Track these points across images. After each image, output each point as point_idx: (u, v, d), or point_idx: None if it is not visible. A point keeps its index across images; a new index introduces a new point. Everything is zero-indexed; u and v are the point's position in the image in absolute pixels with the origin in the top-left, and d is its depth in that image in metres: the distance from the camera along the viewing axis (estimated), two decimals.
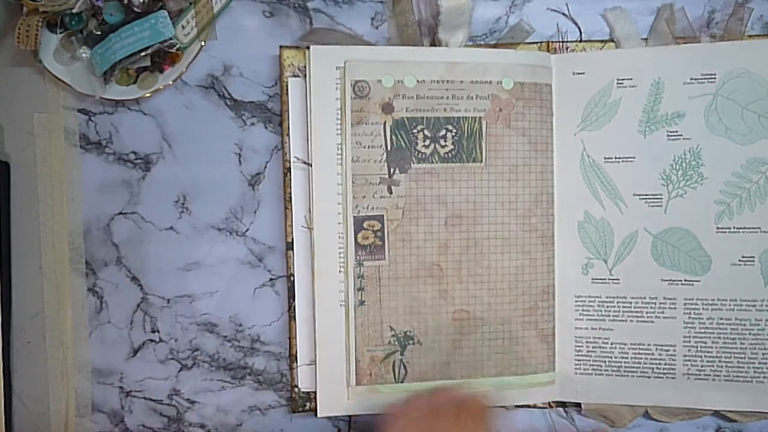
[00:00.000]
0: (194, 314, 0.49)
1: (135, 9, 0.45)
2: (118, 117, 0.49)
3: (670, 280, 0.46)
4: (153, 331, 0.49)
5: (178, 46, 0.46)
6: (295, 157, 0.47)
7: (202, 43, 0.47)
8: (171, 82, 0.47)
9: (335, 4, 0.48)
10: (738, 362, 0.46)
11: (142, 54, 0.46)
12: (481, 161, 0.46)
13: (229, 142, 0.49)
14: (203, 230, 0.49)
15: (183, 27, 0.46)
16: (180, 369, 0.49)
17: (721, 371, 0.46)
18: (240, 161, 0.49)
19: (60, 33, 0.47)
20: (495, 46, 0.47)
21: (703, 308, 0.46)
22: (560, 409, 0.49)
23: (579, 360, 0.47)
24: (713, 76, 0.45)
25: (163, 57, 0.47)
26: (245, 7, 0.48)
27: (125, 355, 0.49)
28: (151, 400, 0.49)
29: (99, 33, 0.46)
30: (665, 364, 0.46)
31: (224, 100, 0.48)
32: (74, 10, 0.45)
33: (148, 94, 0.47)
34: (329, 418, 0.49)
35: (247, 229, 0.49)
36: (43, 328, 0.49)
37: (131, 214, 0.49)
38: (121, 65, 0.46)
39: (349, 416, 0.49)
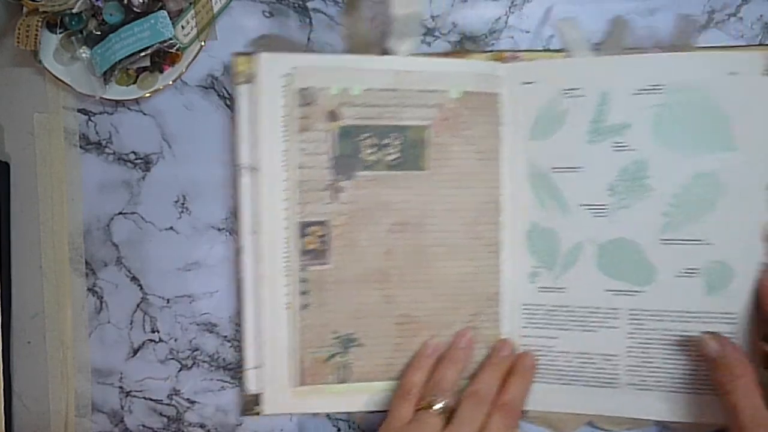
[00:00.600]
0: (194, 314, 0.49)
1: (135, 9, 0.45)
2: (118, 117, 0.49)
3: (614, 290, 0.46)
4: (153, 331, 0.49)
5: (178, 46, 0.46)
6: (243, 163, 0.47)
7: (202, 43, 0.47)
8: (171, 82, 0.47)
9: (335, 4, 0.48)
10: (681, 374, 0.45)
11: (142, 54, 0.46)
12: (427, 169, 0.46)
13: (229, 142, 0.49)
14: (203, 230, 0.49)
15: (183, 27, 0.46)
16: (180, 369, 0.49)
17: (664, 382, 0.45)
18: None
19: (60, 33, 0.47)
20: (446, 55, 0.48)
21: (646, 319, 0.45)
22: None
23: None
24: (660, 87, 0.45)
25: (163, 57, 0.47)
26: (245, 7, 0.48)
27: (125, 355, 0.49)
28: (151, 400, 0.49)
29: (99, 33, 0.46)
30: (608, 373, 0.46)
31: (224, 100, 0.48)
32: (74, 10, 0.46)
33: (148, 94, 0.47)
34: (329, 418, 0.49)
35: None
36: (43, 328, 0.49)
37: (131, 214, 0.49)
38: (121, 65, 0.46)
39: (348, 417, 0.49)
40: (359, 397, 0.47)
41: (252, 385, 0.48)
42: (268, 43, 0.47)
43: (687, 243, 0.45)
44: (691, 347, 0.45)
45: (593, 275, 0.46)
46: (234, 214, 0.49)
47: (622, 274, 0.46)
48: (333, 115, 0.46)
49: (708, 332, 0.43)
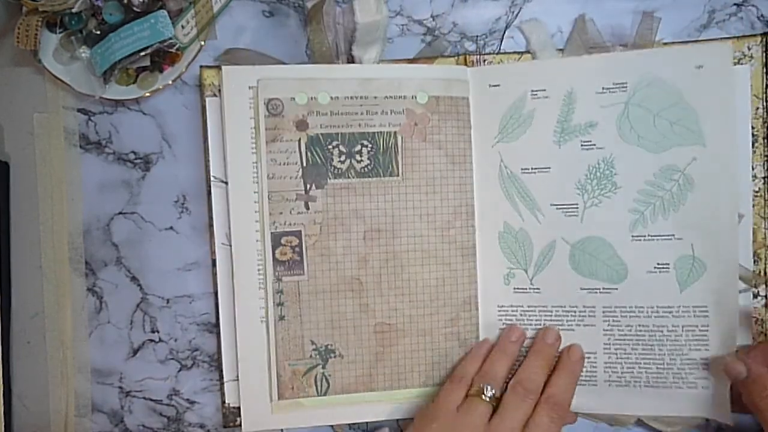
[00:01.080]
0: (194, 314, 0.49)
1: (135, 9, 0.45)
2: (118, 117, 0.49)
3: (588, 288, 0.46)
4: (153, 331, 0.49)
5: (177, 46, 0.46)
6: (213, 176, 0.47)
7: (202, 43, 0.47)
8: (171, 82, 0.47)
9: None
10: (657, 369, 0.46)
11: (142, 54, 0.46)
12: (398, 175, 0.47)
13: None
14: (203, 230, 0.49)
15: (183, 27, 0.46)
16: (180, 369, 0.49)
17: (641, 378, 0.46)
18: None
19: (60, 33, 0.47)
20: (412, 61, 0.48)
21: (621, 316, 0.46)
22: None
23: None
24: (624, 85, 0.45)
25: (162, 57, 0.47)
26: (245, 7, 0.48)
27: (125, 355, 0.49)
28: (150, 400, 0.49)
29: (99, 33, 0.46)
30: (587, 371, 0.47)
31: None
32: (74, 10, 0.46)
33: (147, 94, 0.47)
34: None
35: None
36: (43, 328, 0.49)
37: (131, 214, 0.49)
38: (120, 65, 0.46)
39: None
40: (341, 409, 0.47)
41: (231, 398, 0.48)
42: (236, 55, 0.47)
43: (657, 239, 0.45)
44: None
45: (567, 274, 0.47)
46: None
47: (595, 272, 0.46)
48: (301, 125, 0.46)
49: (731, 354, 0.44)
